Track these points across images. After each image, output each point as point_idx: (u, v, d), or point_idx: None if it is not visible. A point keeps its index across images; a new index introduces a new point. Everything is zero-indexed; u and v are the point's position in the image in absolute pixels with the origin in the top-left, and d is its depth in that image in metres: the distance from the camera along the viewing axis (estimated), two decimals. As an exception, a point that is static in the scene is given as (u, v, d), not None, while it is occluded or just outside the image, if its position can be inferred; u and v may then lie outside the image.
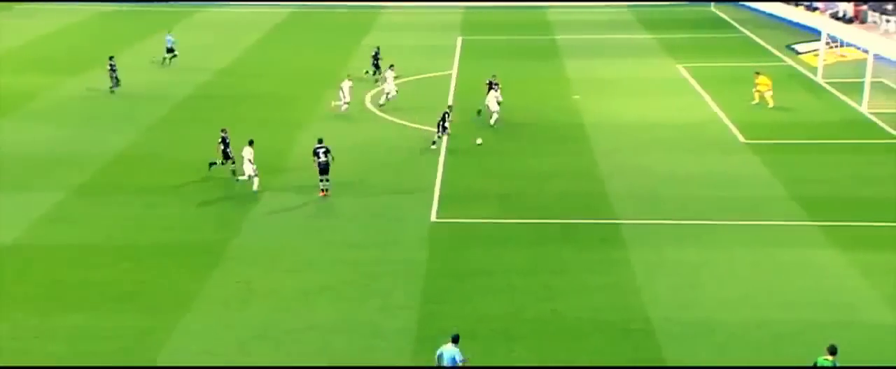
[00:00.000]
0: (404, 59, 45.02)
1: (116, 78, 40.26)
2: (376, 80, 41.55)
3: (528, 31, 57.87)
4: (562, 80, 43.09)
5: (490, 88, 35.56)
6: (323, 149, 27.78)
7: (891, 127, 34.90)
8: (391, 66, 39.51)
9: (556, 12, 65.20)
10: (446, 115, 32.47)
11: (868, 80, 37.64)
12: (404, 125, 35.59)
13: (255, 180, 28.45)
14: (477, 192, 28.52)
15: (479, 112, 35.52)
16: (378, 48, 43.46)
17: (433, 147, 32.17)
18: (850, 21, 54.64)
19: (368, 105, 38.92)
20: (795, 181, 29.02)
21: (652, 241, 24.69)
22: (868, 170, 30.09)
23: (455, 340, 17.74)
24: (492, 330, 20.44)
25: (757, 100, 37.34)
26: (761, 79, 37.74)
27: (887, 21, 50.70)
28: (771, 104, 36.89)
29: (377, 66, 42.10)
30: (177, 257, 23.75)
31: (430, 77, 44.07)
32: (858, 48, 46.20)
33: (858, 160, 31.15)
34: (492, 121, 34.70)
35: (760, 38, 54.55)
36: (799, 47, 50.86)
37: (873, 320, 20.60)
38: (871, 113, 36.83)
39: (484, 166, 31.08)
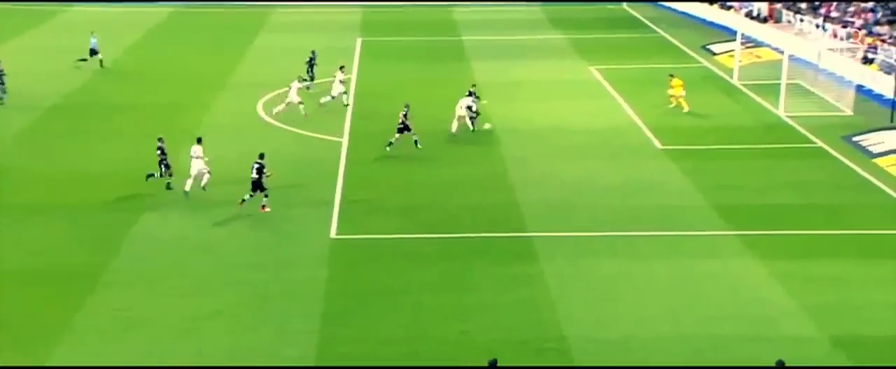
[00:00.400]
0: (297, 63, 44.64)
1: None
2: (309, 88, 40.97)
3: (434, 32, 57.91)
4: (469, 84, 43.26)
5: (470, 96, 35.48)
6: (256, 166, 27.25)
7: (808, 130, 35.84)
8: (342, 67, 39.09)
9: (462, 11, 65.43)
10: (406, 114, 32.58)
11: (784, 82, 38.71)
12: (301, 134, 35.13)
13: (205, 176, 28.46)
14: (380, 205, 28.22)
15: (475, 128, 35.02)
16: (314, 52, 42.53)
17: (388, 149, 32.35)
18: (764, 20, 56.19)
19: (262, 114, 38.33)
20: (714, 188, 29.47)
21: (566, 254, 24.73)
22: (786, 175, 30.75)
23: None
24: (397, 354, 20.16)
25: (673, 105, 38.03)
26: (675, 82, 38.43)
27: (801, 20, 52.35)
28: (686, 108, 37.61)
29: (311, 72, 41.29)
30: (45, 284, 22.79)
31: (327, 82, 43.70)
32: (773, 49, 47.58)
33: (777, 166, 31.84)
34: (479, 127, 34.69)
35: (675, 38, 55.66)
36: (714, 48, 52.09)
37: (794, 333, 20.99)
38: (788, 116, 37.81)
39: (387, 177, 30.83)
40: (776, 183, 30.05)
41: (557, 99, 40.61)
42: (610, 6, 67.74)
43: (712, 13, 62.12)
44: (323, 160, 31.94)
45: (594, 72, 46.36)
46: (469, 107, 35.05)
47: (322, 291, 22.72)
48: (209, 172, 28.80)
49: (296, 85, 37.38)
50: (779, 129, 36.44)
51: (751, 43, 48.60)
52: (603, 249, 25.14)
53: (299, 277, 23.53)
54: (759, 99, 40.79)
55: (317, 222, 26.93)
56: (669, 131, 35.91)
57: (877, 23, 47.40)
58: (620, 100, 40.73)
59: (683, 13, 64.84)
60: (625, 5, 67.69)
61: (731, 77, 44.64)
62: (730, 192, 29.21)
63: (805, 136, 35.28)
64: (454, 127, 34.82)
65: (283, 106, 37.06)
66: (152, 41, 52.60)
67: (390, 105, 38.94)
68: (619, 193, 29.17)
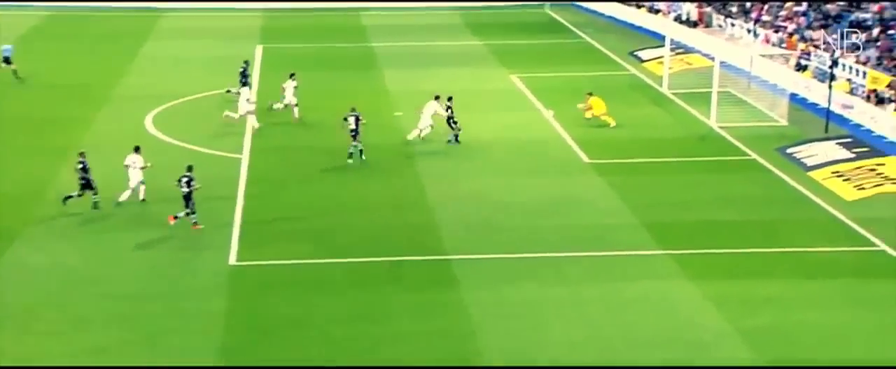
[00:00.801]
0: (190, 74, 43.98)
1: None
2: (230, 92, 40.39)
3: (341, 38, 57.67)
4: (381, 94, 43.00)
5: (444, 104, 35.34)
6: (185, 179, 27.11)
7: (741, 142, 36.41)
8: (292, 74, 38.65)
9: (372, 16, 65.30)
10: (357, 120, 32.81)
11: (715, 90, 39.38)
12: (196, 151, 34.52)
13: (141, 188, 28.71)
14: (285, 229, 27.80)
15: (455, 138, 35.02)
16: (246, 63, 41.79)
17: (350, 161, 32.83)
18: (694, 25, 57.22)
19: (151, 128, 37.61)
20: (644, 205, 29.66)
21: (488, 279, 24.60)
22: (720, 190, 31.12)
23: None
24: (304, 392, 19.83)
25: (589, 117, 38.31)
26: (594, 101, 38.53)
27: (732, 24, 53.45)
28: (612, 124, 37.97)
29: (245, 83, 40.62)
30: None
31: (221, 94, 43.08)
32: (704, 55, 48.46)
33: (709, 180, 32.24)
34: (416, 136, 34.75)
35: (601, 43, 56.26)
36: (642, 54, 52.83)
37: (730, 357, 21.13)
38: (721, 126, 38.38)
39: (293, 197, 30.40)
40: (709, 198, 30.41)
41: (477, 110, 40.62)
42: (531, 10, 68.34)
43: (639, 17, 63.04)
44: (221, 179, 31.41)
45: (515, 80, 46.53)
46: (449, 119, 34.98)
47: (220, 324, 22.27)
48: (144, 183, 28.72)
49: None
50: (711, 141, 36.95)
51: (680, 49, 49.36)
52: (527, 273, 25.08)
53: (194, 309, 22.99)
54: (689, 108, 41.36)
55: (214, 247, 26.40)
56: (596, 144, 36.15)
57: (809, 27, 48.62)
58: (544, 110, 41.00)
59: (609, 17, 65.67)
60: (547, 8, 68.32)
61: (661, 85, 45.24)
62: (661, 209, 29.45)
63: (738, 148, 35.84)
64: (413, 134, 34.86)
65: (236, 116, 36.87)
66: (26, 48, 51.17)
67: (287, 117, 38.52)
68: (544, 212, 29.21)
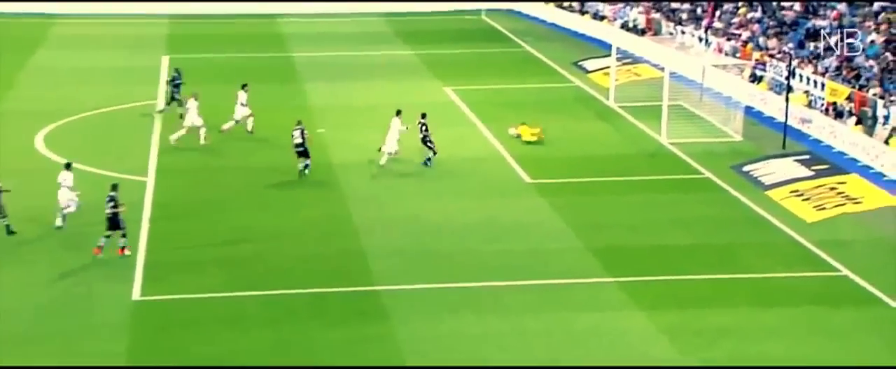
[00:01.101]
0: (88, 87, 43.24)
1: None
2: (182, 115, 39.77)
3: (257, 47, 57.28)
4: (302, 110, 42.55)
5: (417, 121, 35.20)
6: (110, 201, 26.96)
7: (694, 159, 36.64)
8: (244, 85, 38.28)
9: (291, 23, 64.95)
10: (302, 134, 33.39)
11: (665, 103, 39.67)
12: (95, 173, 33.86)
13: (71, 206, 28.54)
14: (195, 259, 27.32)
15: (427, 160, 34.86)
16: (178, 71, 41.05)
17: (304, 175, 33.41)
18: (642, 32, 57.76)
19: (39, 147, 36.85)
20: (591, 228, 29.72)
21: (422, 311, 24.41)
22: (671, 211, 31.26)
23: None
24: (218, 442, 19.40)
25: (516, 134, 38.30)
26: (523, 130, 38.32)
27: (683, 32, 54.04)
28: (541, 138, 38.01)
29: (176, 96, 40.15)
30: None
31: (123, 109, 42.40)
32: (653, 65, 48.88)
33: (660, 200, 32.36)
34: (388, 159, 34.58)
35: (542, 53, 56.52)
36: (587, 64, 53.12)
37: (687, 394, 21.27)
38: (672, 142, 38.64)
39: (204, 223, 29.96)
40: (660, 220, 30.53)
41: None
42: (465, 16, 68.51)
43: (583, 24, 63.49)
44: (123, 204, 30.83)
45: (450, 93, 46.49)
46: (424, 138, 34.82)
47: (122, 366, 21.71)
48: (77, 203, 28.45)
49: (193, 104, 36.94)
50: (661, 158, 37.18)
51: (628, 59, 49.73)
52: (465, 303, 24.90)
53: (93, 350, 22.43)
54: (638, 123, 41.60)
55: (115, 281, 25.83)
56: (538, 162, 36.17)
57: (764, 34, 49.30)
58: (482, 126, 40.92)
59: (551, 24, 66.05)
60: (484, 15, 68.56)
61: (607, 98, 45.50)
62: (609, 232, 29.51)
63: (690, 166, 36.08)
64: (383, 160, 34.51)
65: (182, 130, 36.64)
66: None
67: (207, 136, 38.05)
68: (482, 236, 29.11)
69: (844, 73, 41.40)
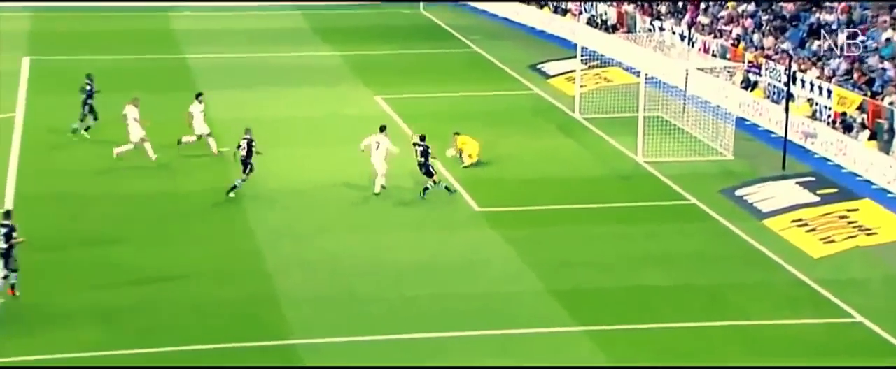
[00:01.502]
0: None
1: None
2: (78, 131, 39.35)
3: (143, 47, 56.99)
4: (202, 123, 42.53)
5: (412, 138, 35.72)
6: (3, 231, 27.20)
7: (676, 182, 36.85)
8: (198, 95, 38.71)
9: (185, 17, 64.64)
10: (249, 145, 34.46)
11: (642, 114, 39.90)
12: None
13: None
14: (61, 310, 26.92)
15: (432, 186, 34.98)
16: (90, 77, 40.80)
17: (232, 194, 34.43)
18: (613, 29, 58.22)
19: None
20: (552, 266, 29.78)
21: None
22: (649, 246, 31.41)
23: None
24: None
25: (469, 163, 38.29)
26: (463, 139, 38.35)
27: (661, 29, 54.52)
28: (470, 160, 38.04)
29: (89, 105, 40.03)
30: None
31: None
32: (626, 69, 49.22)
33: (636, 232, 32.46)
34: (382, 188, 35.08)
35: (493, 54, 56.71)
36: (547, 68, 53.34)
37: None
38: (649, 162, 38.86)
39: (72, 263, 29.64)
40: (636, 256, 30.64)
41: (330, 144, 40.37)
42: (401, 10, 68.66)
43: (543, 20, 63.89)
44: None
45: (382, 103, 46.48)
46: (423, 157, 34.99)
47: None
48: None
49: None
50: (637, 181, 37.36)
51: (596, 61, 50.05)
52: (401, 359, 24.80)
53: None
54: (609, 138, 41.80)
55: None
56: (489, 186, 36.22)
57: (759, 30, 49.81)
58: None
59: (504, 19, 66.40)
60: (422, 8, 68.73)
61: (571, 108, 45.72)
62: (575, 272, 29.56)
63: (672, 190, 36.28)
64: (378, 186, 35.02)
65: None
66: None
67: (72, 156, 37.60)
68: (421, 278, 29.04)
69: (855, 77, 41.89)
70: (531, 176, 37.31)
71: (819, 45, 45.42)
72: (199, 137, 38.58)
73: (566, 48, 56.02)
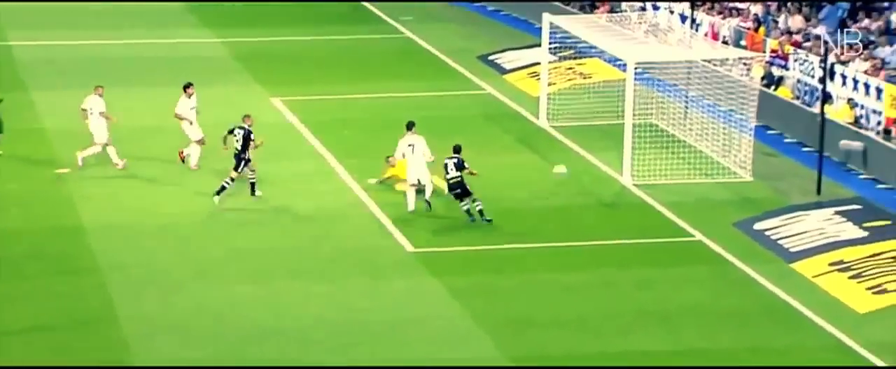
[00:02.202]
0: None
1: None
2: None
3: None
4: (28, 137, 42.14)
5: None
6: None
7: (675, 212, 36.83)
8: (188, 85, 40.32)
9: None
10: (246, 138, 36.58)
11: (629, 122, 39.89)
12: None
13: None
14: None
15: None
16: None
17: (216, 198, 36.27)
18: (592, 8, 58.31)
19: None
20: (511, 326, 29.67)
21: None
22: (641, 297, 31.37)
23: None
24: None
25: (378, 181, 38.24)
26: (400, 167, 38.44)
27: (655, 7, 54.67)
28: (440, 186, 38.10)
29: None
30: None
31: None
32: (608, 60, 49.24)
33: (624, 280, 32.39)
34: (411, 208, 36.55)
35: (432, 40, 56.73)
36: (503, 60, 53.29)
37: None
38: (640, 185, 38.92)
39: None
40: (623, 312, 30.64)
41: (210, 162, 40.22)
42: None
43: (497, -5, 64.16)
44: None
45: (280, 106, 46.41)
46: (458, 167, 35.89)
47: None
48: None
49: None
50: (624, 211, 37.45)
51: (569, 49, 50.06)
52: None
53: None
54: (586, 154, 41.86)
55: None
56: (427, 219, 36.25)
57: (784, 8, 50.04)
58: (332, 160, 40.97)
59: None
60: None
61: (536, 114, 45.69)
62: (540, 334, 29.52)
63: (671, 223, 36.30)
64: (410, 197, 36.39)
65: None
66: None
67: None
68: (335, 342, 28.93)
69: (912, 72, 42.22)
70: (483, 204, 37.18)
71: (865, 28, 45.68)
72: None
73: (529, 33, 56.09)
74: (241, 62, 52.52)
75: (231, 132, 36.86)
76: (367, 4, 64.25)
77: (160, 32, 57.49)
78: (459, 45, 55.66)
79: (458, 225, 35.95)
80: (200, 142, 39.89)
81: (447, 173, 35.73)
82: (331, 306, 30.88)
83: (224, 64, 52.59)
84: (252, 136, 36.71)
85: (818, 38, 45.90)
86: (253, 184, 37.34)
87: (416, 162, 36.45)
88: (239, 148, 36.70)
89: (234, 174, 36.68)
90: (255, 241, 34.72)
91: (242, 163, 36.80)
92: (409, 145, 36.72)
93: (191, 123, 39.90)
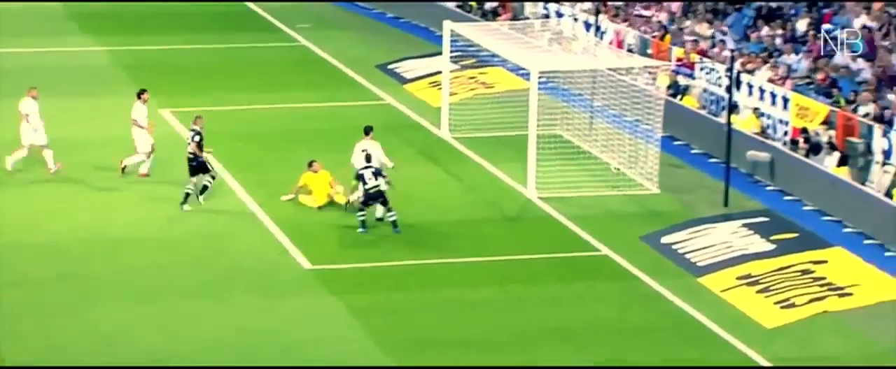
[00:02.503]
0: None
1: None
2: None
3: None
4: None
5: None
6: None
7: (580, 225, 37.04)
8: (143, 91, 40.37)
9: None
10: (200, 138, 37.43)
11: (533, 132, 40.01)
12: None
13: None
14: None
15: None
16: None
17: (186, 206, 36.39)
18: (494, 14, 58.44)
19: None
20: (413, 345, 29.69)
21: None
22: (547, 314, 31.44)
23: None
24: None
25: (292, 196, 38.27)
26: (310, 178, 38.51)
27: (559, 14, 54.83)
28: (343, 201, 38.14)
29: None
30: None
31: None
32: (511, 70, 49.29)
33: (529, 295, 32.45)
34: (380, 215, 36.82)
35: (329, 48, 56.67)
36: (402, 69, 53.22)
37: None
38: (545, 198, 39.03)
39: None
40: (528, 329, 30.64)
41: (88, 178, 40.10)
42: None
43: (397, 3, 63.99)
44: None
45: (170, 118, 46.41)
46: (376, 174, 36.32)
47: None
48: None
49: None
50: (529, 225, 37.59)
51: (471, 59, 50.15)
52: None
53: None
54: (489, 166, 42.02)
55: None
56: (321, 232, 36.28)
57: (690, 15, 50.41)
58: (224, 173, 40.91)
59: (347, 4, 66.28)
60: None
61: (437, 124, 45.78)
62: (443, 353, 29.48)
63: (577, 237, 36.49)
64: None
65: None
66: None
67: None
68: (231, 364, 28.74)
69: (819, 79, 42.57)
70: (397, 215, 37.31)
71: (771, 36, 46.10)
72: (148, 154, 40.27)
73: (429, 41, 56.11)
74: (128, 72, 52.17)
75: (193, 137, 37.44)
76: (262, 13, 63.97)
77: (39, 41, 57.02)
78: (357, 54, 55.63)
79: (357, 240, 35.95)
80: (149, 153, 39.95)
81: (365, 183, 35.87)
82: (224, 327, 30.73)
83: (109, 74, 52.24)
84: (200, 141, 37.40)
85: (722, 42, 46.33)
86: (188, 195, 37.83)
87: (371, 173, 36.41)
88: (194, 151, 37.37)
89: (194, 180, 37.51)
90: (144, 259, 34.50)
91: (205, 165, 37.55)
92: (363, 151, 36.86)
93: (145, 132, 39.98)
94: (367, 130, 37.86)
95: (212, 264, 34.39)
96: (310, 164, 38.42)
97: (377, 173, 36.19)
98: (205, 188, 37.95)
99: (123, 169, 40.23)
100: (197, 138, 37.65)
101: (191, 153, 37.51)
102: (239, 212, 38.08)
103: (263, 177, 39.92)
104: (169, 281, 33.29)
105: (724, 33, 47.85)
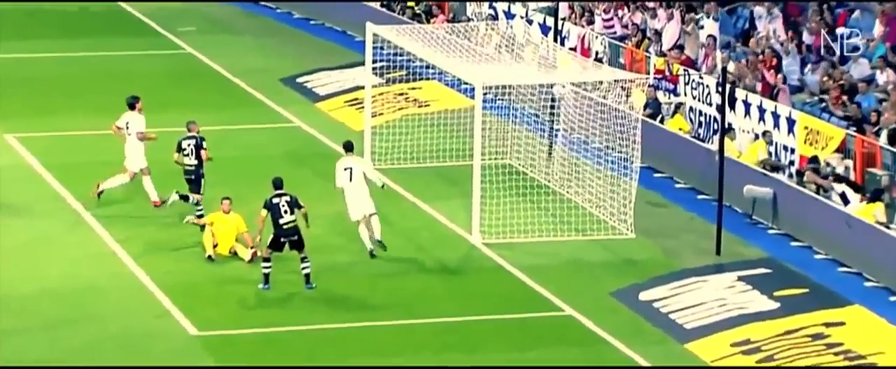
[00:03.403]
0: None
1: None
2: None
3: None
4: None
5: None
6: None
7: (537, 279, 37.11)
8: (136, 97, 41.67)
9: None
10: (198, 146, 39.27)
11: (477, 163, 40.01)
12: None
13: None
14: None
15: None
16: None
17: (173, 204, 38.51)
18: (427, 16, 58.50)
19: None
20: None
21: None
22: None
23: None
24: None
25: (200, 223, 38.38)
26: (217, 219, 38.52)
27: (510, 16, 54.97)
28: (247, 256, 38.18)
29: None
30: None
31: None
32: (451, 84, 49.42)
33: (473, 365, 32.79)
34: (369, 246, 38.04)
35: (220, 58, 56.95)
36: (315, 83, 53.36)
37: None
38: (492, 244, 39.17)
39: None
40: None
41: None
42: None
43: (310, 4, 64.22)
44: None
45: (15, 145, 46.58)
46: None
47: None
48: None
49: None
50: (473, 277, 37.80)
51: (400, 70, 50.26)
52: None
53: None
54: (423, 205, 42.33)
55: None
56: (217, 292, 36.39)
57: (671, 16, 50.58)
58: (85, 213, 41.15)
59: (243, 3, 66.36)
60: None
61: (361, 152, 45.86)
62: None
63: (534, 293, 36.62)
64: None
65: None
66: None
67: None
68: None
69: (832, 95, 42.73)
70: (289, 272, 37.27)
71: (760, 39, 46.28)
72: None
73: (348, 48, 56.34)
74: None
75: (180, 149, 38.43)
76: (137, 14, 64.03)
77: None
78: (257, 64, 55.75)
79: (255, 299, 35.95)
80: (141, 172, 40.74)
81: (281, 216, 35.91)
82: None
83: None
84: (204, 145, 38.52)
85: (709, 44, 46.54)
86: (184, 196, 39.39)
87: (356, 192, 36.99)
88: (194, 163, 38.39)
89: (198, 196, 38.43)
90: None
91: (201, 179, 38.50)
92: (346, 169, 37.21)
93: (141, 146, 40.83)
94: (348, 146, 38.27)
95: (73, 331, 34.24)
96: (221, 201, 38.49)
97: (293, 204, 36.07)
98: (185, 198, 39.46)
99: (100, 194, 40.62)
100: (204, 144, 38.91)
101: (194, 163, 38.63)
102: (106, 264, 38.07)
103: (136, 219, 39.81)
104: (20, 352, 33.09)
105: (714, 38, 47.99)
